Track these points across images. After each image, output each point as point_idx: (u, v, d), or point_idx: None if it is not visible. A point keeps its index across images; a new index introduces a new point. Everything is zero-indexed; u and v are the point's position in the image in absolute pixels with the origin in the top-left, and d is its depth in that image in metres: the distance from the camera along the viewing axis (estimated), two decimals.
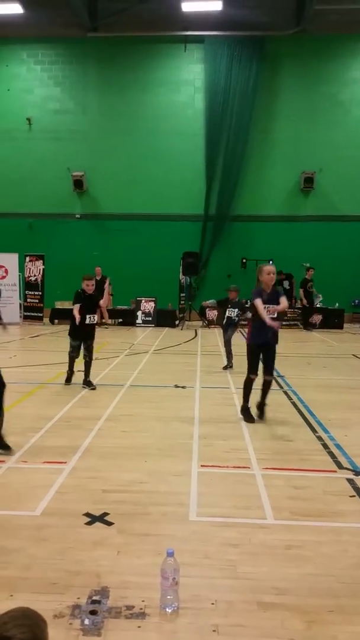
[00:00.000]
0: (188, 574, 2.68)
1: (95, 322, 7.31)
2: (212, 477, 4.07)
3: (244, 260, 16.83)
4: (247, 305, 8.76)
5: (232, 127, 16.96)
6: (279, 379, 8.02)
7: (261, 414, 5.71)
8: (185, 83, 17.27)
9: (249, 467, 4.28)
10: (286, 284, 16.65)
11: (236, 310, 8.67)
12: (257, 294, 5.52)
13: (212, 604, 2.51)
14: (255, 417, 5.66)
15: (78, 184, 17.22)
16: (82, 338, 7.19)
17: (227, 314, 8.74)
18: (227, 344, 8.80)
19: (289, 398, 6.81)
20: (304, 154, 16.91)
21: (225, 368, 8.63)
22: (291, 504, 3.61)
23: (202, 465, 4.29)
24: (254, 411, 5.73)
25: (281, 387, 7.49)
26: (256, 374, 5.65)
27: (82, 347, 7.25)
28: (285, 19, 16.40)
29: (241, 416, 5.69)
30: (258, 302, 5.42)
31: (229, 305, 8.67)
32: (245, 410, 5.68)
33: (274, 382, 7.84)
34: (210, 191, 17.21)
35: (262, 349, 5.62)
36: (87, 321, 7.12)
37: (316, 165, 16.87)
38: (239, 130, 16.93)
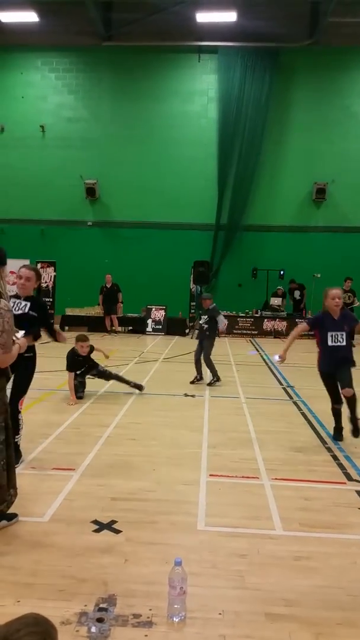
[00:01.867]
0: (195, 584, 2.67)
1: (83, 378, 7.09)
2: (221, 486, 4.05)
3: (255, 270, 16.82)
4: (218, 313, 8.16)
5: (245, 137, 17.02)
6: (289, 389, 7.99)
7: (355, 429, 5.17)
8: (199, 93, 17.39)
9: (258, 478, 4.26)
10: (297, 294, 16.55)
11: (206, 317, 8.18)
12: (312, 320, 5.32)
13: (220, 614, 2.50)
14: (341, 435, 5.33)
15: (90, 191, 17.34)
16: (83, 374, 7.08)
17: (200, 321, 8.16)
18: (208, 361, 8.10)
19: (299, 409, 6.77)
20: (316, 165, 16.92)
21: (210, 384, 8.05)
22: (300, 515, 3.58)
23: (210, 475, 4.28)
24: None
25: (291, 398, 7.45)
26: (339, 403, 5.26)
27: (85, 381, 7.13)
28: (299, 30, 16.49)
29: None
30: (299, 327, 5.32)
31: (200, 313, 8.19)
32: (336, 431, 5.38)
33: (283, 392, 7.83)
34: (222, 200, 17.25)
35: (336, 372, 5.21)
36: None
37: (329, 176, 16.86)
38: (252, 141, 16.99)
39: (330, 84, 16.93)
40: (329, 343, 5.07)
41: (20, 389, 4.47)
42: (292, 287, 16.64)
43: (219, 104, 17.16)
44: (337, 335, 5.01)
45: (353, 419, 5.15)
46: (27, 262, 15.60)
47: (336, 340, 5.01)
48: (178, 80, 17.37)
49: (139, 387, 7.29)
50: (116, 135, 17.39)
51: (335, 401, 5.33)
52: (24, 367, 4.32)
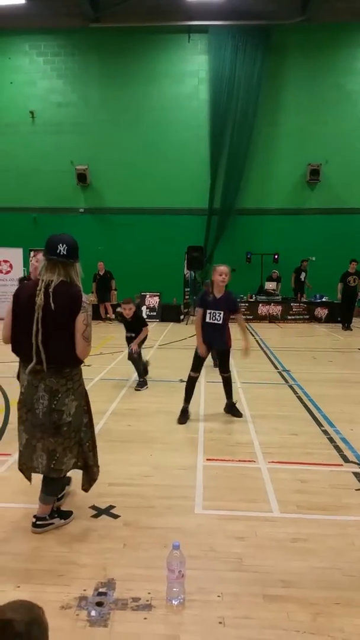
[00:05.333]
0: (194, 567, 2.69)
1: (133, 335, 7.24)
2: (218, 470, 4.07)
3: (249, 255, 16.77)
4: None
5: (237, 118, 16.81)
6: (285, 373, 8.01)
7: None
8: (190, 74, 17.12)
9: (255, 461, 4.28)
10: (303, 275, 16.39)
11: None
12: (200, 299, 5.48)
13: (218, 596, 2.52)
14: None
15: (82, 177, 17.15)
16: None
17: None
18: None
19: (295, 392, 6.79)
20: (310, 146, 16.77)
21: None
22: (297, 497, 3.61)
23: (207, 459, 4.30)
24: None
25: (286, 382, 7.47)
26: (197, 372, 5.65)
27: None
28: (290, 7, 16.19)
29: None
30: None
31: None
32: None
33: (279, 376, 7.86)
34: (214, 184, 17.10)
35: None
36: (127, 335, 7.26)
37: (322, 157, 16.73)
38: (244, 122, 16.79)
39: (323, 62, 16.69)
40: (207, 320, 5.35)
41: None
42: (303, 267, 16.33)
43: (210, 85, 16.90)
44: (215, 313, 5.32)
45: (229, 402, 5.65)
46: (20, 250, 15.61)
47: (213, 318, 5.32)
48: (168, 62, 17.08)
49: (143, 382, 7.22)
50: (106, 119, 17.14)
51: (195, 369, 5.58)
52: None
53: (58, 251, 3.00)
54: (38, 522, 3.11)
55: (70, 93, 17.33)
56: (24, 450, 3.10)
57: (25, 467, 3.14)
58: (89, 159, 17.11)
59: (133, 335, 7.20)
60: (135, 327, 7.22)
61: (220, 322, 5.33)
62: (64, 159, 17.06)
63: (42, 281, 2.96)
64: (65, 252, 3.00)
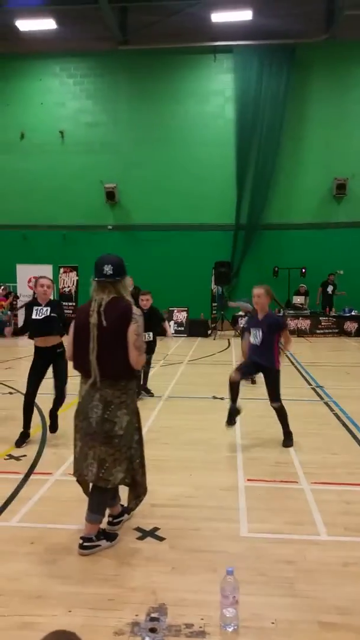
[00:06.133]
0: (245, 592, 2.63)
1: (151, 339, 7.10)
2: (260, 491, 4.02)
3: (276, 269, 16.70)
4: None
5: (263, 135, 16.92)
6: (319, 389, 7.90)
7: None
8: (215, 93, 17.34)
9: (297, 482, 4.21)
10: (331, 288, 16.26)
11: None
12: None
13: (272, 623, 2.47)
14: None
15: (110, 195, 17.43)
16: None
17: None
18: None
19: (331, 409, 6.68)
20: (336, 160, 16.72)
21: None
22: (344, 519, 3.53)
23: (248, 479, 4.25)
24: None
25: (321, 398, 7.36)
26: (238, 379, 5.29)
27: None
28: (315, 25, 16.31)
29: None
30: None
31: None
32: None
33: (313, 392, 7.75)
34: (241, 200, 17.17)
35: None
36: (145, 339, 7.08)
37: (349, 172, 16.66)
38: (270, 139, 16.87)
39: (348, 78, 16.72)
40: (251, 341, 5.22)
41: (64, 377, 5.20)
42: (330, 281, 16.23)
43: (235, 103, 17.08)
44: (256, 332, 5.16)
45: (285, 432, 5.19)
46: (49, 267, 15.90)
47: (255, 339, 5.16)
48: (194, 81, 17.34)
49: (147, 391, 7.44)
50: (134, 138, 17.44)
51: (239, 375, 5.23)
52: (61, 357, 5.11)
53: (105, 272, 3.15)
54: (85, 544, 3.12)
55: (99, 113, 17.72)
56: (78, 458, 3.20)
57: (79, 475, 3.22)
58: (117, 178, 17.39)
59: (149, 337, 6.97)
60: (150, 323, 6.90)
61: (259, 341, 5.12)
62: (93, 178, 17.37)
63: (95, 301, 3.13)
64: (111, 272, 3.15)
